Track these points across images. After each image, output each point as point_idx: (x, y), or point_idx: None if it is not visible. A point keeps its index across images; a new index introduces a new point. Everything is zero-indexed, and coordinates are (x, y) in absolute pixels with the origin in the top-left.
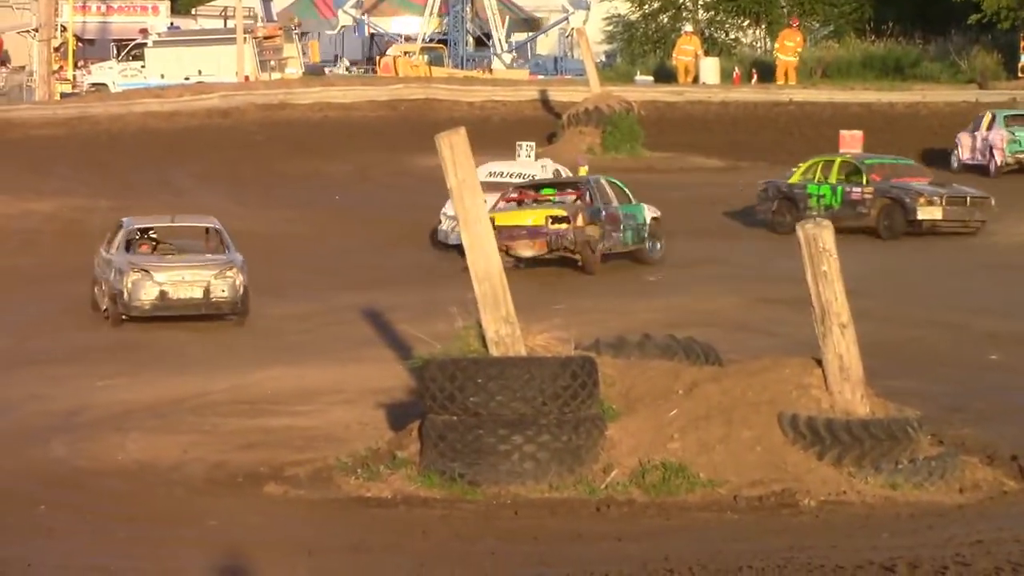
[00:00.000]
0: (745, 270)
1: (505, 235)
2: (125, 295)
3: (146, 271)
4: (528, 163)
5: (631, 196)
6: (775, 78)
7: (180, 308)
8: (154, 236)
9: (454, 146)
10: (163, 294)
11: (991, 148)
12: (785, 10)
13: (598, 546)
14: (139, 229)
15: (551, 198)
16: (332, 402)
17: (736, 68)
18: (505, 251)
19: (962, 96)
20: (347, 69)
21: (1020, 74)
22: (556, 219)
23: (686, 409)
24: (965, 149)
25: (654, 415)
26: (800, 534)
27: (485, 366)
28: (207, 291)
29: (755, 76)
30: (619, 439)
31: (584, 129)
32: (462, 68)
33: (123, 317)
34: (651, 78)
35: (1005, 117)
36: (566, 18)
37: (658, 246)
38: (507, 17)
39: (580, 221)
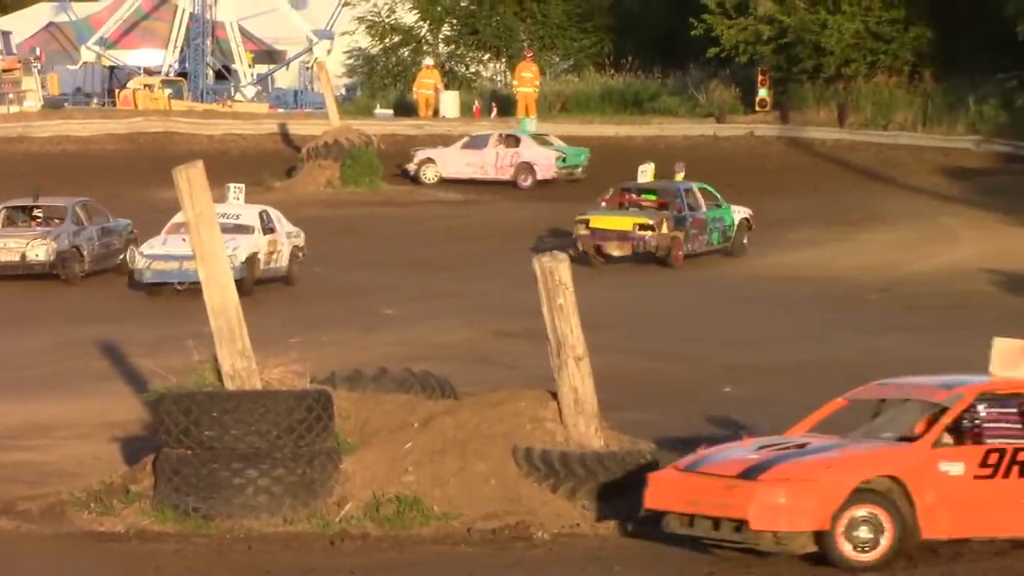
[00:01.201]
0: (483, 303)
1: (598, 236)
2: None
3: None
4: (237, 205)
5: (720, 200)
6: (515, 112)
7: (2, 269)
8: (39, 215)
9: (191, 179)
10: None
11: (528, 164)
12: (526, 43)
13: None
14: (12, 207)
15: (642, 204)
16: (66, 436)
17: (476, 101)
18: (597, 250)
19: (700, 130)
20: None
21: (757, 108)
22: (643, 227)
23: (421, 442)
24: (451, 165)
25: (390, 448)
26: (533, 567)
27: (220, 400)
28: (23, 256)
29: (495, 109)
30: (354, 472)
31: (324, 163)
32: (202, 101)
33: None
34: (391, 111)
35: (534, 137)
36: (309, 48)
37: (744, 241)
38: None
39: (664, 228)
